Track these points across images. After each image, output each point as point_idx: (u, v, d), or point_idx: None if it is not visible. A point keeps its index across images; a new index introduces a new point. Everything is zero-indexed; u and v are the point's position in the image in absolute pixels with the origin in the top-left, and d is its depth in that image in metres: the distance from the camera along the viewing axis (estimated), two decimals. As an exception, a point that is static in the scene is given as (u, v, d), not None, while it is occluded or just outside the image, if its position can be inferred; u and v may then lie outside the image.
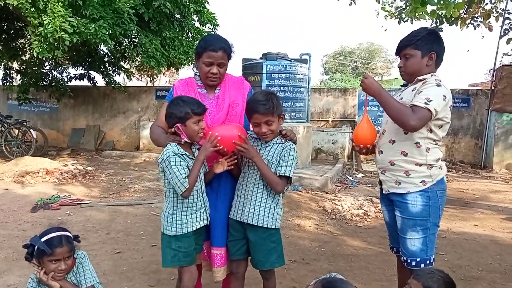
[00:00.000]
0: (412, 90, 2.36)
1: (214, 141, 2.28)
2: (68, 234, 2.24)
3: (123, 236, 4.44)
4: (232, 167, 2.42)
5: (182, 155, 2.27)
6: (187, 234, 2.33)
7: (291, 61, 8.00)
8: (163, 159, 2.24)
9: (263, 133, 2.35)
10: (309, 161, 8.49)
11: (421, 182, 2.34)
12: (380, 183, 2.55)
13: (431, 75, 2.36)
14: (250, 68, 7.95)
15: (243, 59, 8.36)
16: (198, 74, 2.61)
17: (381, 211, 5.51)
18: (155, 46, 8.94)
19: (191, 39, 10.42)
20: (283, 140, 2.41)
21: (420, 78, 2.37)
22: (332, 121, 11.84)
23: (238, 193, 2.48)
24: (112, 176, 7.84)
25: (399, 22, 8.66)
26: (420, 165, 2.34)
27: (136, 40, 9.54)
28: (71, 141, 12.71)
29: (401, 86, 2.64)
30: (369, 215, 5.45)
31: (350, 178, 8.21)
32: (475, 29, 8.57)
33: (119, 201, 5.93)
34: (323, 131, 10.82)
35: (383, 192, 2.53)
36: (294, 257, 3.91)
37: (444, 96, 2.24)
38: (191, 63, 10.68)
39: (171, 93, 2.63)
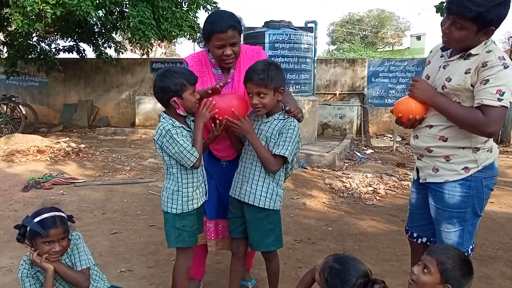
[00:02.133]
0: (466, 73, 2.03)
1: (211, 106, 2.27)
2: (62, 214, 2.25)
3: (119, 216, 4.47)
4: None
5: (179, 127, 2.25)
6: (191, 212, 2.34)
7: (295, 29, 7.88)
8: (161, 134, 2.21)
9: (254, 105, 2.30)
10: (315, 137, 8.48)
11: (463, 168, 2.12)
12: (417, 169, 2.35)
13: (486, 46, 2.02)
14: (251, 38, 7.84)
15: (244, 27, 8.23)
16: (207, 49, 2.54)
17: (392, 188, 5.60)
18: (142, 17, 8.66)
19: (186, 10, 10.24)
20: (285, 116, 2.35)
21: (473, 52, 2.03)
22: (339, 94, 11.76)
23: (238, 170, 2.48)
24: (107, 153, 7.86)
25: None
26: (463, 148, 2.11)
27: (126, 10, 9.36)
28: (62, 117, 12.71)
29: (442, 46, 2.24)
30: (378, 193, 5.46)
31: (359, 154, 8.21)
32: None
33: (115, 180, 5.95)
34: (329, 104, 10.77)
35: (420, 181, 2.32)
36: (299, 236, 3.93)
37: None
38: (185, 37, 10.56)
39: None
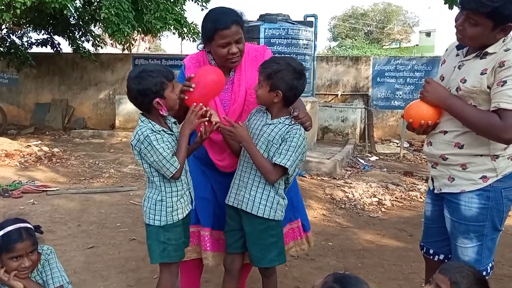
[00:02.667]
0: (482, 73, 2.02)
1: (200, 112, 2.27)
2: (28, 225, 2.23)
3: (96, 228, 4.44)
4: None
5: (159, 131, 2.23)
6: (176, 223, 2.33)
7: (293, 24, 7.92)
8: (139, 140, 2.19)
9: (255, 91, 2.37)
10: (315, 141, 8.50)
11: (481, 178, 2.10)
12: (432, 179, 2.34)
13: (504, 44, 2.01)
14: (246, 32, 7.76)
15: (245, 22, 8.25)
16: (207, 50, 2.55)
17: (399, 200, 5.62)
18: (117, 9, 8.58)
19: (172, 2, 10.24)
20: (292, 122, 2.36)
21: (490, 51, 2.02)
22: (341, 95, 11.81)
23: (236, 175, 2.48)
24: (83, 159, 7.82)
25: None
26: (481, 155, 2.10)
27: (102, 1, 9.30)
28: (34, 118, 12.64)
29: (458, 44, 2.25)
30: (384, 204, 5.47)
31: (362, 161, 8.23)
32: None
33: (92, 188, 5.91)
34: (331, 106, 10.81)
35: (435, 191, 2.32)
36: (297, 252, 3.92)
37: None
38: (169, 31, 10.55)
39: (183, 73, 2.59)
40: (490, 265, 2.22)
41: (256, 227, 2.40)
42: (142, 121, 2.25)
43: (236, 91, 2.53)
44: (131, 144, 2.26)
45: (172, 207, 2.31)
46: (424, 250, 2.47)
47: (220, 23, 2.34)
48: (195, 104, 2.29)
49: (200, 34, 2.58)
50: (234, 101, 2.53)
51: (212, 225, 2.64)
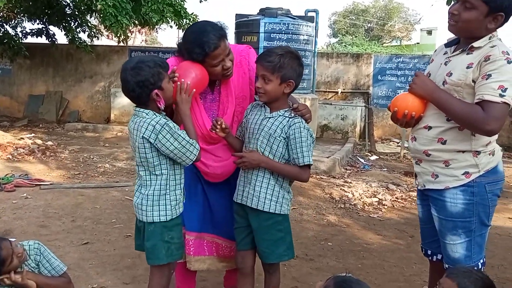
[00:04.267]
0: (468, 67, 2.11)
1: (188, 88, 2.26)
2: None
3: (91, 224, 4.42)
4: None
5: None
6: (177, 220, 2.34)
7: (294, 18, 7.91)
8: (153, 130, 2.14)
9: (256, 88, 2.36)
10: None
11: (463, 173, 2.18)
12: (415, 175, 2.44)
13: (490, 40, 2.11)
14: (245, 26, 7.84)
15: (236, 15, 8.24)
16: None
17: (399, 200, 5.62)
18: (114, 1, 8.51)
19: None
20: (292, 114, 2.37)
21: (475, 45, 2.11)
22: (341, 92, 11.81)
23: (240, 172, 2.49)
24: (78, 153, 7.79)
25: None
26: (463, 151, 2.18)
27: None
28: (27, 110, 12.59)
29: (446, 42, 2.39)
30: (384, 204, 5.47)
31: (362, 160, 8.23)
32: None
33: (87, 183, 5.89)
34: (330, 104, 10.80)
35: (419, 187, 2.43)
36: (296, 252, 3.89)
37: None
38: (166, 23, 10.49)
39: None
40: (481, 261, 2.28)
41: (263, 223, 2.41)
42: (147, 113, 2.20)
43: (224, 102, 2.52)
44: (143, 138, 2.18)
45: (176, 200, 2.32)
46: (424, 252, 2.55)
47: (209, 46, 2.29)
48: (179, 83, 2.27)
49: None
50: (223, 112, 2.52)
51: (201, 229, 2.64)
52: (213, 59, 2.33)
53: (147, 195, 2.29)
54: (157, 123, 2.16)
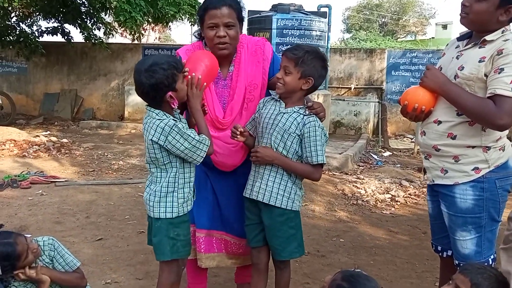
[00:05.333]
0: (480, 61, 2.09)
1: (199, 83, 2.26)
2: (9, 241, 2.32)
3: (105, 220, 4.47)
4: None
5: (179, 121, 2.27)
6: (185, 217, 2.35)
7: (307, 14, 7.88)
8: (162, 133, 2.16)
9: (277, 78, 2.37)
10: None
11: (473, 169, 2.17)
12: (425, 171, 2.42)
13: (503, 34, 2.09)
14: (257, 23, 7.84)
15: (248, 11, 8.23)
16: (204, 41, 2.55)
17: (412, 196, 5.59)
18: None
19: None
20: (306, 112, 2.38)
21: (488, 39, 2.10)
22: (354, 88, 11.74)
23: (252, 167, 2.50)
24: (92, 150, 7.87)
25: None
26: (473, 147, 2.16)
27: None
28: (43, 108, 12.73)
29: (459, 36, 2.35)
30: (397, 201, 5.45)
31: (375, 156, 8.19)
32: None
33: (101, 180, 5.96)
34: (343, 100, 10.76)
35: (428, 182, 2.43)
36: (307, 248, 3.90)
37: None
38: (185, 18, 10.50)
39: None
40: (492, 257, 2.26)
41: (275, 219, 2.42)
42: (157, 114, 2.21)
43: (234, 87, 2.52)
44: (152, 141, 2.20)
45: (184, 198, 2.32)
46: (434, 248, 2.54)
47: (211, 2, 2.37)
48: (190, 77, 2.26)
49: None
50: (232, 97, 2.52)
51: (210, 226, 2.65)
52: (209, 18, 2.37)
53: (155, 191, 2.31)
54: (166, 124, 2.16)
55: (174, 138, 2.17)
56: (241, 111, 2.53)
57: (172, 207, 2.30)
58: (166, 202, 2.30)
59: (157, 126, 2.17)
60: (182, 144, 2.18)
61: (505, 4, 2.05)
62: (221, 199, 2.63)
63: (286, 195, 2.40)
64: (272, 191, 2.39)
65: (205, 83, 2.29)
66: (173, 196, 2.30)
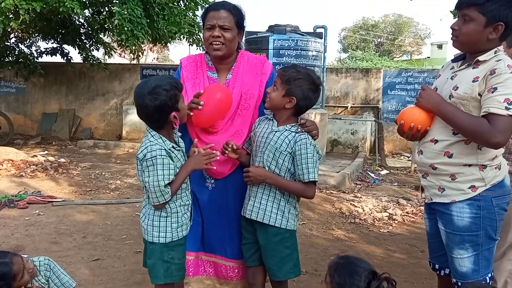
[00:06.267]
0: (474, 81, 2.13)
1: (212, 158, 2.31)
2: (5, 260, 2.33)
3: (102, 240, 4.45)
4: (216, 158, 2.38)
5: (170, 149, 2.22)
6: (180, 240, 2.32)
7: (303, 35, 7.97)
8: (144, 158, 2.15)
9: (267, 93, 2.42)
10: (324, 154, 8.48)
11: (470, 187, 2.19)
12: (422, 189, 2.48)
13: (496, 55, 2.13)
14: (255, 43, 7.91)
15: (246, 32, 8.31)
16: (206, 51, 2.63)
17: (409, 215, 5.58)
18: (131, 15, 8.59)
19: (184, 8, 10.35)
20: (298, 129, 2.39)
21: (481, 59, 2.14)
22: (351, 107, 11.81)
23: (248, 186, 2.50)
24: (89, 169, 7.85)
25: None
26: (469, 165, 2.18)
27: (113, 8, 9.30)
28: (41, 128, 12.74)
29: (453, 58, 2.43)
30: (394, 219, 5.44)
31: (372, 175, 8.20)
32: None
33: (98, 200, 5.93)
34: (340, 119, 10.80)
35: (426, 200, 2.43)
36: (305, 267, 3.90)
37: None
38: (184, 38, 10.61)
39: (178, 73, 2.63)
40: (490, 275, 2.26)
41: (270, 239, 2.41)
42: (152, 136, 2.21)
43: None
44: (137, 158, 2.21)
45: (178, 222, 2.29)
46: (432, 266, 2.54)
47: (211, 6, 2.52)
48: (208, 146, 2.36)
49: None
50: None
51: (198, 248, 2.62)
52: (208, 20, 2.47)
53: (149, 214, 2.29)
54: (150, 151, 2.15)
55: (147, 167, 2.15)
56: (233, 116, 2.53)
57: (166, 232, 2.27)
58: (159, 226, 2.27)
59: (145, 147, 2.18)
60: (148, 177, 2.16)
61: (492, 22, 2.09)
62: (211, 220, 2.59)
63: (279, 213, 2.40)
64: (265, 209, 2.39)
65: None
66: (166, 221, 2.27)
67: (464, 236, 2.20)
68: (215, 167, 2.37)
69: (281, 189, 2.41)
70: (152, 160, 2.13)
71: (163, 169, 2.14)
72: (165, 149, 2.18)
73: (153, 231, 2.27)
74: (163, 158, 2.14)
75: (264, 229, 2.41)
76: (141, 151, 2.18)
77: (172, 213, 2.28)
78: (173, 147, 2.25)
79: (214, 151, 2.33)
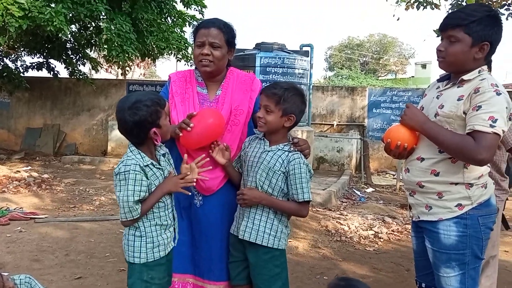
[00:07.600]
0: (459, 100, 2.15)
1: (190, 182, 2.29)
2: None
3: (85, 258, 4.37)
4: (206, 178, 2.38)
5: (147, 166, 2.18)
6: (160, 260, 2.26)
7: (289, 53, 8.03)
8: (119, 171, 2.12)
9: (257, 117, 2.38)
10: (310, 172, 8.50)
11: (456, 205, 2.20)
12: (409, 207, 2.45)
13: (480, 74, 2.16)
14: (241, 60, 7.94)
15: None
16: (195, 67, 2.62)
17: (395, 233, 5.58)
18: (118, 31, 8.61)
19: (171, 24, 10.39)
20: (291, 149, 2.38)
21: (465, 78, 2.17)
22: (337, 125, 11.89)
23: (239, 205, 2.48)
24: (73, 185, 7.76)
25: (418, 8, 8.78)
26: (456, 184, 2.20)
27: (101, 24, 9.29)
28: (25, 143, 12.60)
29: (439, 78, 2.46)
30: (380, 238, 5.44)
31: (358, 193, 8.22)
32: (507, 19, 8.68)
33: (81, 216, 5.85)
34: (326, 136, 10.86)
35: (413, 219, 2.42)
36: (291, 286, 3.86)
37: (506, 107, 2.07)
38: (172, 53, 10.65)
39: (166, 88, 2.61)
40: None
41: (260, 257, 2.39)
42: (131, 151, 2.18)
43: (219, 109, 2.53)
44: (114, 172, 2.17)
45: (153, 242, 2.22)
46: (418, 285, 2.52)
47: (202, 24, 2.52)
48: (200, 158, 2.34)
49: None
50: None
51: (184, 270, 2.56)
52: (198, 37, 2.48)
53: (127, 234, 2.24)
54: (125, 165, 2.11)
55: (119, 180, 2.11)
56: (223, 132, 2.52)
57: (140, 252, 2.21)
58: (134, 246, 2.21)
59: (121, 162, 2.15)
60: (119, 191, 2.12)
61: (478, 42, 2.13)
62: (199, 239, 2.54)
63: (272, 234, 2.38)
64: (258, 230, 2.37)
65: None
66: (141, 241, 2.21)
67: (451, 255, 2.21)
68: (189, 193, 2.35)
69: (275, 210, 2.39)
70: (125, 174, 2.10)
71: (134, 185, 2.09)
72: (139, 165, 2.13)
73: (128, 251, 2.22)
74: (136, 174, 2.10)
75: (254, 248, 2.39)
76: (118, 166, 2.16)
77: (146, 233, 2.21)
78: (152, 163, 2.20)
79: (192, 178, 2.29)
